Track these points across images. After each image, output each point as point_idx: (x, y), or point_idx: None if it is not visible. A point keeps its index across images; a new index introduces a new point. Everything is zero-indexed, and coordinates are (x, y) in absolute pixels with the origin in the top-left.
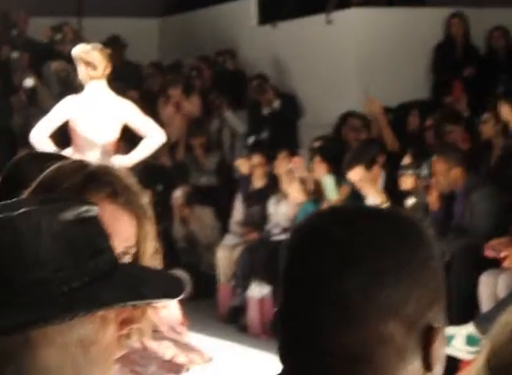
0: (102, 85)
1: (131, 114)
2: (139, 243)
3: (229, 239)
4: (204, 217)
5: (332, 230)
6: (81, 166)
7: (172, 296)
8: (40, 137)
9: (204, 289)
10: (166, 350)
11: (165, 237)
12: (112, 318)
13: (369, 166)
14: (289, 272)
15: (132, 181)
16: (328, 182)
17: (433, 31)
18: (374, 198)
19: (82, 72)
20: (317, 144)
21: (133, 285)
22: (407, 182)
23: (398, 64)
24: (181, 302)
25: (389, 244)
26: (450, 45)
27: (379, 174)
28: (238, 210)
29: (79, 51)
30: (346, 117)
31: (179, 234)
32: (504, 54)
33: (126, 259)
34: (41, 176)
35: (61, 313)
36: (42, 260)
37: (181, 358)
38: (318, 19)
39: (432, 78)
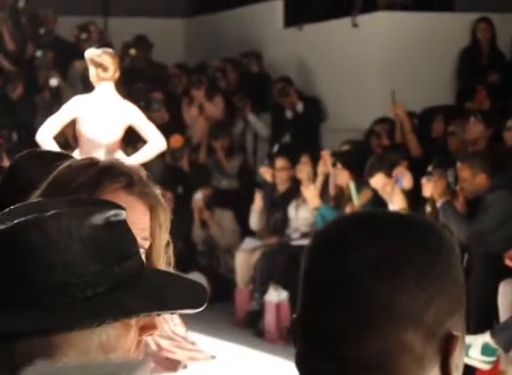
0: (111, 87)
1: (135, 117)
2: (153, 234)
3: (248, 243)
4: (224, 220)
5: (354, 235)
6: (92, 161)
7: (194, 306)
8: (46, 137)
9: (222, 293)
10: (164, 346)
11: (185, 240)
12: (132, 324)
13: (390, 172)
14: (309, 276)
15: (143, 173)
16: (352, 187)
17: (459, 36)
18: (396, 203)
19: (92, 73)
20: (342, 148)
21: (158, 293)
22: (428, 189)
23: (423, 68)
24: None
25: (411, 251)
26: (476, 51)
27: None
28: (259, 214)
29: (91, 53)
30: (378, 122)
31: (199, 237)
32: None
33: (142, 252)
34: (52, 175)
35: (88, 320)
36: (69, 264)
37: (178, 355)
38: (344, 22)
39: (457, 83)
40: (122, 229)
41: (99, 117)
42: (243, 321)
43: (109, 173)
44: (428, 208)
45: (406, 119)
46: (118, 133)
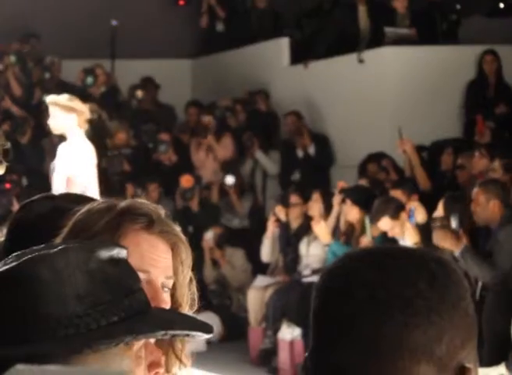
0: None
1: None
2: (175, 271)
3: (260, 280)
4: (235, 259)
5: (364, 272)
6: (111, 204)
7: (201, 331)
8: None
9: (235, 331)
10: None
11: (196, 280)
12: (143, 358)
13: (395, 215)
14: (319, 315)
15: (162, 212)
16: (367, 222)
17: (465, 69)
18: (408, 239)
19: (75, 121)
20: (348, 186)
21: (166, 320)
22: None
23: (431, 102)
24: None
25: (420, 286)
26: (482, 83)
27: (408, 208)
28: (272, 252)
29: (62, 99)
30: (371, 158)
31: (210, 276)
32: None
33: (165, 291)
34: (72, 220)
35: (104, 339)
36: (81, 295)
37: None
38: (350, 58)
39: (464, 116)
40: (125, 266)
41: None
42: (257, 359)
43: (129, 214)
44: None
45: (414, 154)
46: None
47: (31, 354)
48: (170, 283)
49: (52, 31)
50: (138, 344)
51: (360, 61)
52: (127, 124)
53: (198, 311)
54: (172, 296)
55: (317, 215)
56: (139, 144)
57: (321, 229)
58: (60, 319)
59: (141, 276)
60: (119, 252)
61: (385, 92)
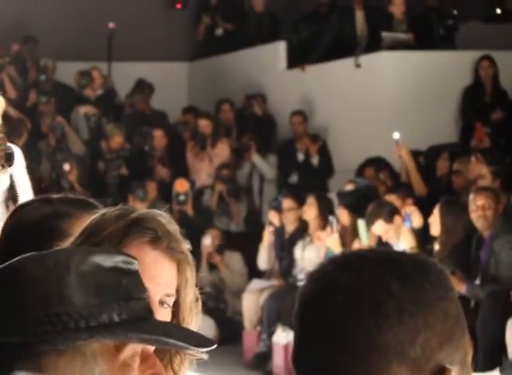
0: None
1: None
2: (179, 289)
3: (255, 284)
4: (233, 263)
5: (338, 276)
6: (125, 212)
7: (198, 345)
8: None
9: (230, 335)
10: None
11: None
12: (134, 368)
13: (389, 219)
14: (298, 318)
15: (174, 228)
16: (361, 225)
17: (462, 74)
18: (404, 243)
19: None
20: (349, 187)
21: (162, 331)
22: (435, 228)
23: (427, 107)
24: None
25: (392, 288)
26: (479, 89)
27: (403, 222)
28: (268, 255)
29: None
30: (368, 162)
31: (206, 280)
32: None
33: (165, 307)
34: (87, 223)
35: (72, 334)
36: (64, 295)
37: None
38: (347, 62)
39: (461, 121)
40: (130, 276)
41: None
42: (252, 363)
43: (137, 226)
44: (436, 247)
45: (409, 159)
46: None
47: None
48: (171, 300)
49: (49, 33)
50: (128, 351)
51: (357, 65)
52: (124, 127)
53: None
54: (174, 313)
55: (311, 219)
56: (134, 146)
57: (333, 241)
58: (40, 317)
59: None
60: (128, 261)
61: (382, 97)
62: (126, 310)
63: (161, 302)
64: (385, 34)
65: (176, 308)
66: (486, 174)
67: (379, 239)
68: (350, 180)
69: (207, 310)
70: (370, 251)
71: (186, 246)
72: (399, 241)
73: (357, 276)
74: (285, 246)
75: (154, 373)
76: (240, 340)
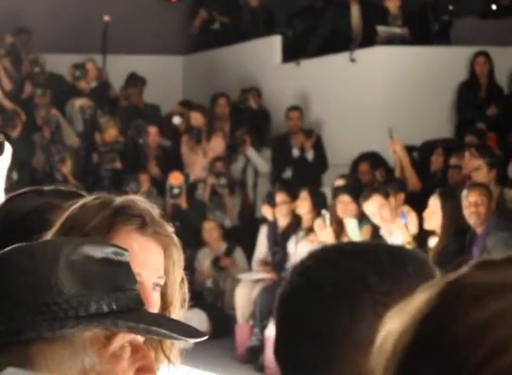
0: None
1: None
2: (167, 272)
3: (248, 276)
4: (236, 258)
5: (315, 270)
6: (106, 201)
7: (185, 335)
8: None
9: (223, 328)
10: None
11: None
12: (124, 358)
13: (386, 195)
14: (278, 312)
15: (156, 211)
16: (351, 224)
17: (457, 70)
18: (398, 234)
19: None
20: (339, 182)
21: (152, 321)
22: (431, 222)
23: (422, 102)
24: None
25: (368, 280)
26: (474, 84)
27: (399, 211)
28: (260, 250)
29: None
30: (363, 157)
31: (209, 276)
32: None
33: (157, 290)
34: (65, 215)
35: (57, 322)
36: (52, 285)
37: None
38: (342, 57)
39: (456, 117)
40: (120, 267)
41: None
42: (244, 357)
43: (123, 214)
44: (433, 242)
45: (404, 154)
46: None
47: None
48: (161, 281)
49: (44, 26)
50: (118, 342)
51: (352, 60)
52: (118, 120)
53: (186, 308)
54: (163, 295)
55: (305, 213)
56: (128, 139)
57: (326, 235)
58: (29, 306)
59: None
60: (118, 253)
61: (377, 92)
62: (116, 301)
63: (154, 285)
64: (380, 28)
65: (164, 290)
66: (482, 166)
67: (373, 233)
68: (341, 175)
69: (201, 304)
70: (347, 243)
71: (170, 229)
72: (392, 234)
73: (333, 270)
74: (278, 240)
75: (145, 365)
76: (232, 333)
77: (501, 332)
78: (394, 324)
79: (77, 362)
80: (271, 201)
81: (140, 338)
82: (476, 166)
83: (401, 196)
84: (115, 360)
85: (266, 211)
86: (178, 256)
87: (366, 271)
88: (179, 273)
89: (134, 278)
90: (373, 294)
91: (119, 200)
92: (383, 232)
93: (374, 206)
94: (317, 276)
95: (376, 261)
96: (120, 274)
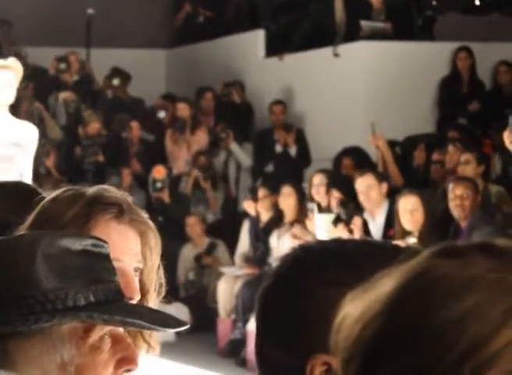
0: None
1: None
2: (144, 259)
3: (230, 271)
4: (220, 255)
5: (283, 268)
6: (78, 193)
7: (163, 326)
8: None
9: (205, 322)
10: None
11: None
12: (104, 350)
13: (379, 178)
14: (256, 310)
15: (130, 198)
16: (319, 220)
17: (439, 65)
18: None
19: None
20: (317, 177)
21: (129, 311)
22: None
23: (405, 97)
24: (181, 335)
25: (340, 280)
26: (456, 79)
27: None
28: (243, 244)
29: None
30: (346, 152)
31: (190, 268)
32: (509, 89)
33: (136, 275)
34: (37, 209)
35: (33, 315)
36: (28, 278)
37: None
38: (325, 51)
39: (438, 112)
40: (100, 259)
41: None
42: (226, 350)
43: (98, 204)
44: (413, 239)
45: (387, 149)
46: None
47: None
48: (141, 265)
49: (26, 18)
50: (97, 334)
51: (336, 55)
52: (101, 113)
53: (168, 302)
54: (140, 281)
55: (288, 208)
56: (111, 133)
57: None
58: (5, 299)
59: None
60: (97, 245)
61: (360, 86)
62: (94, 293)
63: (134, 271)
64: (363, 23)
65: (141, 278)
66: (471, 160)
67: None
68: (319, 169)
69: (183, 298)
70: (325, 241)
71: (146, 215)
72: (375, 219)
73: (299, 267)
74: (260, 235)
75: (126, 356)
76: (214, 328)
77: (479, 326)
78: (355, 308)
79: (56, 356)
80: (253, 196)
81: (120, 329)
82: (465, 160)
83: (385, 185)
84: (94, 352)
85: (248, 206)
86: (155, 242)
87: (338, 270)
88: (156, 259)
89: (114, 270)
90: (344, 290)
91: (91, 190)
92: (366, 216)
93: (364, 183)
94: (285, 273)
95: (348, 260)
96: (99, 266)
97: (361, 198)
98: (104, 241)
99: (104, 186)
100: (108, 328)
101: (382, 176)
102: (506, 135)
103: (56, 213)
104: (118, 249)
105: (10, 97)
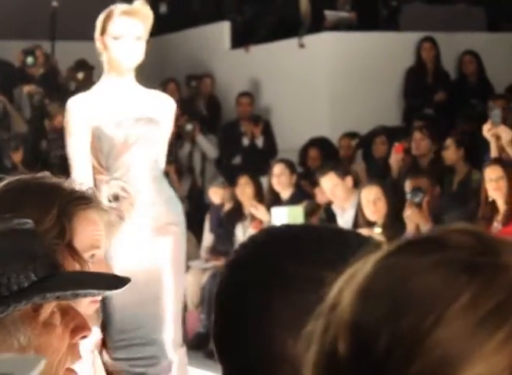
0: None
1: None
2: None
3: (197, 265)
4: (189, 246)
5: (243, 253)
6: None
7: (110, 288)
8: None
9: None
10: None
11: None
12: (56, 325)
13: (343, 174)
14: (215, 298)
15: (89, 188)
16: (276, 214)
17: (404, 55)
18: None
19: None
20: (277, 167)
21: (73, 280)
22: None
23: (370, 88)
24: None
25: (285, 266)
26: (421, 70)
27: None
28: (207, 238)
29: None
30: (312, 143)
31: None
32: (475, 79)
33: (93, 260)
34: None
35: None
36: None
37: None
38: (291, 42)
39: (403, 103)
40: (28, 236)
41: None
42: (193, 343)
43: (75, 198)
44: (378, 230)
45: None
46: None
47: None
48: (98, 252)
49: None
50: (46, 310)
51: (301, 46)
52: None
53: None
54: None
55: (245, 199)
56: None
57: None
58: None
59: (95, 253)
60: (22, 223)
61: (325, 77)
62: (34, 270)
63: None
64: (328, 13)
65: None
66: (450, 144)
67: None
68: (279, 159)
69: None
70: (278, 227)
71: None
72: (345, 210)
73: (257, 255)
74: (222, 223)
75: (78, 324)
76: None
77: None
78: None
79: (13, 342)
80: (222, 183)
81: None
82: (445, 144)
83: (349, 179)
84: (48, 329)
85: (214, 193)
86: (112, 230)
87: (285, 257)
88: (108, 243)
89: (44, 243)
90: (295, 281)
91: (59, 185)
92: (335, 208)
93: (328, 183)
94: (245, 261)
95: (297, 247)
96: (30, 243)
97: (329, 196)
98: (27, 219)
99: (62, 178)
100: (54, 302)
101: (344, 172)
102: (486, 128)
103: (18, 205)
104: (95, 238)
105: (139, 55)
